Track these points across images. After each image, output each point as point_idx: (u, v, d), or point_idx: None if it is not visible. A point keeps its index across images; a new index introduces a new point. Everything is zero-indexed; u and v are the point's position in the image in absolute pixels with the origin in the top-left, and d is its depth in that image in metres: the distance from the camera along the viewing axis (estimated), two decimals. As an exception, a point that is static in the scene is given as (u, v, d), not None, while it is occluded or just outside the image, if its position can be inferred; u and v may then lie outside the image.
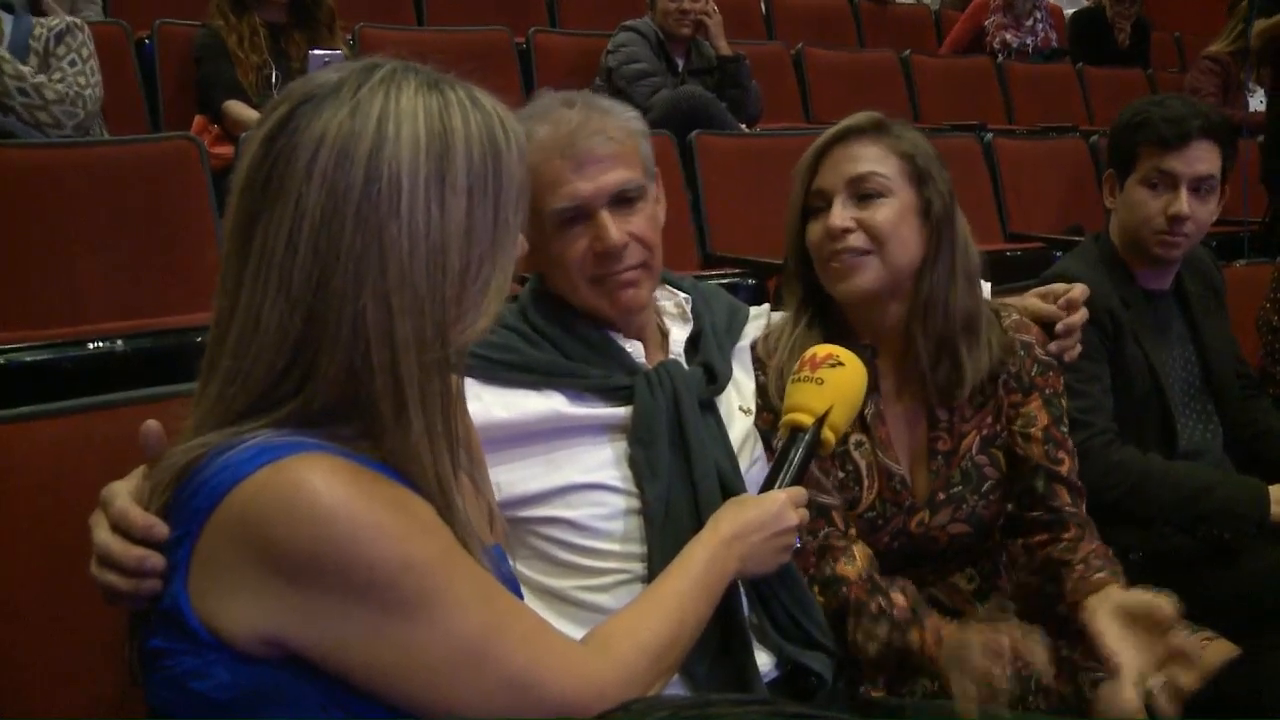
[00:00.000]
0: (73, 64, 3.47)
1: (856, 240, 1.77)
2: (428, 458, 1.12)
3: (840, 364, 1.61)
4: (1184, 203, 2.35)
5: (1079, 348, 2.02)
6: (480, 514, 1.33)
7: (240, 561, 1.04)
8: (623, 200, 1.65)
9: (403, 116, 1.10)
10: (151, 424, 1.20)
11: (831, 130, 1.84)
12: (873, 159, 1.80)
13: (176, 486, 1.09)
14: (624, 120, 1.70)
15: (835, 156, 1.82)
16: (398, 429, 1.10)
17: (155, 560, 1.09)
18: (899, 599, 1.75)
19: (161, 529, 1.09)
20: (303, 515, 1.03)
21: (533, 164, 1.62)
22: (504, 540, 1.42)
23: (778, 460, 1.57)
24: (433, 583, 1.07)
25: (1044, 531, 1.90)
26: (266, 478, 1.04)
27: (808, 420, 1.57)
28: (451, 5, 5.54)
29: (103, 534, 1.14)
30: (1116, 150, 2.50)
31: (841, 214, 1.78)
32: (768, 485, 1.55)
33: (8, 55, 3.33)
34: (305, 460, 1.05)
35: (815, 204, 1.83)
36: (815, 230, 1.82)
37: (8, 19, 3.46)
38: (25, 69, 3.36)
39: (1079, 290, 2.04)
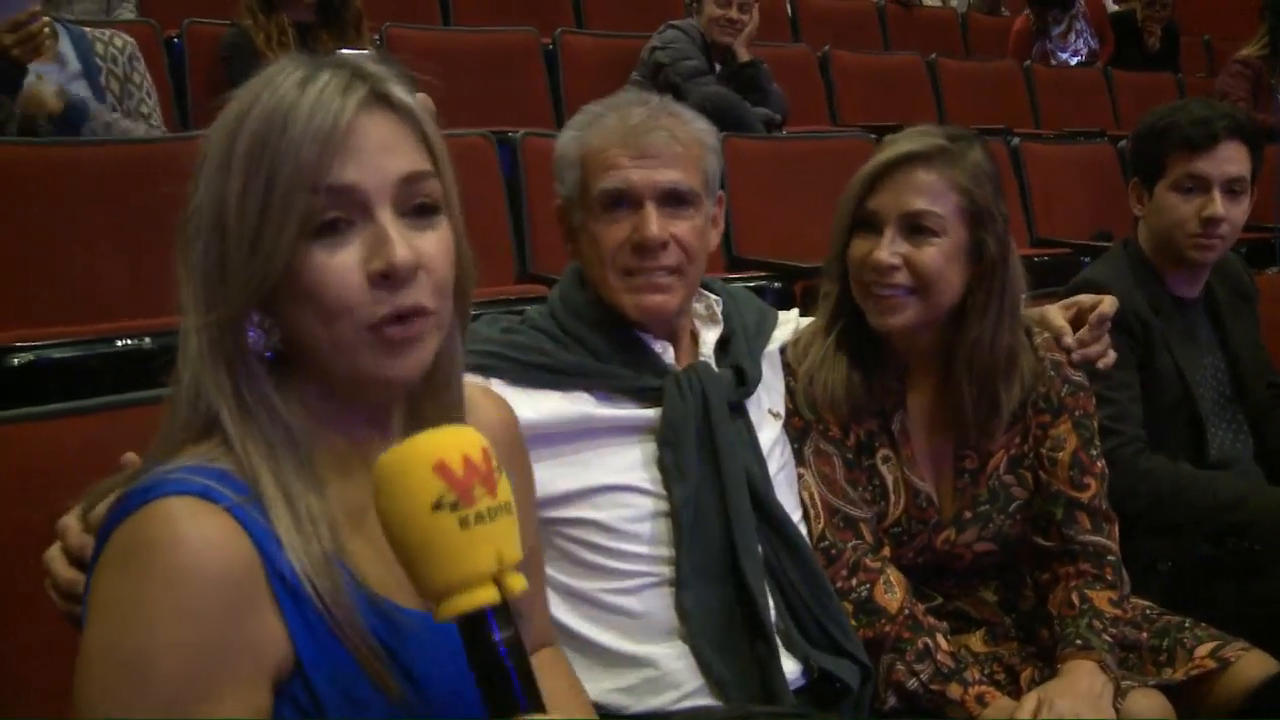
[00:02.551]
0: (150, 94, 3.50)
1: (901, 278, 1.76)
2: (237, 446, 1.03)
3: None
4: (1218, 204, 2.34)
5: (1111, 354, 1.99)
6: None
7: None
8: (672, 200, 1.66)
9: (237, 97, 1.08)
10: (130, 457, 1.21)
11: (894, 152, 1.79)
12: (931, 194, 1.76)
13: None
14: (695, 129, 1.71)
15: (895, 180, 1.77)
16: (221, 429, 1.04)
17: (81, 588, 1.09)
18: (943, 643, 1.75)
19: (90, 551, 1.08)
20: (125, 557, 0.99)
21: (593, 147, 1.66)
22: None
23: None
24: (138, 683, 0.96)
25: (1054, 564, 1.89)
26: (139, 519, 0.99)
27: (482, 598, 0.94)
28: (478, 5, 5.54)
29: (54, 548, 1.18)
30: (1142, 157, 2.49)
31: (889, 249, 1.76)
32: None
33: (99, 107, 3.33)
34: (172, 507, 0.99)
35: (864, 220, 1.80)
36: (860, 249, 1.80)
37: (63, 34, 3.44)
38: (114, 116, 3.36)
39: (1109, 304, 2.00)
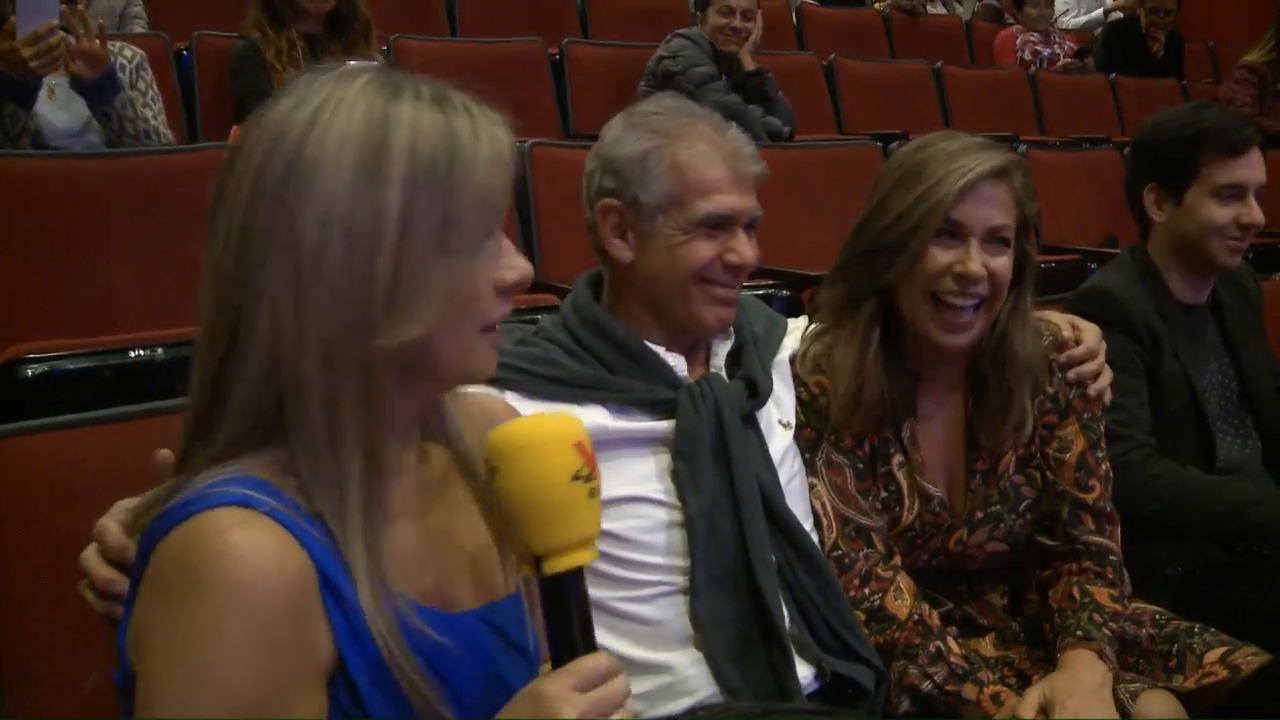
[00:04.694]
0: (155, 100, 3.51)
1: (983, 288, 1.79)
2: (332, 474, 1.04)
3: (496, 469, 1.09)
4: (1255, 209, 2.36)
5: (1109, 394, 1.96)
6: (488, 563, 1.22)
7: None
8: (751, 225, 1.72)
9: (341, 104, 1.04)
10: (164, 453, 1.21)
11: (986, 166, 1.78)
12: (1006, 206, 1.80)
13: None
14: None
15: (982, 194, 1.78)
16: (303, 443, 1.03)
17: (120, 586, 1.10)
18: (955, 646, 1.77)
19: (132, 553, 1.09)
20: (176, 572, 0.99)
21: (691, 163, 1.66)
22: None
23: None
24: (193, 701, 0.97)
25: (1057, 562, 1.91)
26: (186, 533, 0.99)
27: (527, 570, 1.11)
28: (485, 16, 5.57)
29: (89, 549, 1.19)
30: (1166, 162, 2.44)
31: (978, 259, 1.77)
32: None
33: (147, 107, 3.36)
34: (218, 519, 0.99)
35: (944, 229, 1.79)
36: (943, 259, 1.79)
37: None
38: (148, 113, 3.39)
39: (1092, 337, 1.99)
